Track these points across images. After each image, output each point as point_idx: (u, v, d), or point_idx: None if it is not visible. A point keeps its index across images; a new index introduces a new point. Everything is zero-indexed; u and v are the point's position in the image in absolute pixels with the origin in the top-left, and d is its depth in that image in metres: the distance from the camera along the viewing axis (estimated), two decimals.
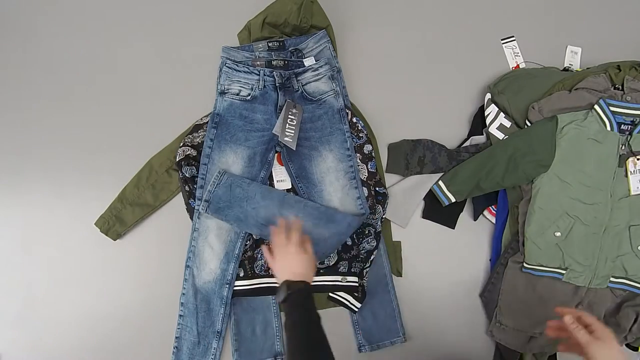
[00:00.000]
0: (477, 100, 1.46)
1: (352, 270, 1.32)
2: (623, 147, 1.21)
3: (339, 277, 1.31)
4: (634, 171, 1.21)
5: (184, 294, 1.32)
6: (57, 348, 1.35)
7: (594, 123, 1.22)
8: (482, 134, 1.39)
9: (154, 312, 1.36)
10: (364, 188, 1.35)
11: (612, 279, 1.25)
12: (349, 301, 1.32)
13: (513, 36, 1.50)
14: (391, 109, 1.45)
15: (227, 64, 1.34)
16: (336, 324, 1.37)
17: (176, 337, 1.31)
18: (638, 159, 1.19)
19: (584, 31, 1.51)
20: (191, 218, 1.36)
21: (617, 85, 1.26)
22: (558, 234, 1.24)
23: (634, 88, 1.24)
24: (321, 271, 1.33)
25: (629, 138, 1.21)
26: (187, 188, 1.35)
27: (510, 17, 1.52)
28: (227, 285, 1.32)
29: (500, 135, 1.32)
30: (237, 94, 1.35)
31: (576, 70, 1.40)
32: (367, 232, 1.35)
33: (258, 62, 1.34)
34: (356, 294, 1.32)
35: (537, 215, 1.24)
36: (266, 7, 1.37)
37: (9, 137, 1.42)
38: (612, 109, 1.22)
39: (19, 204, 1.40)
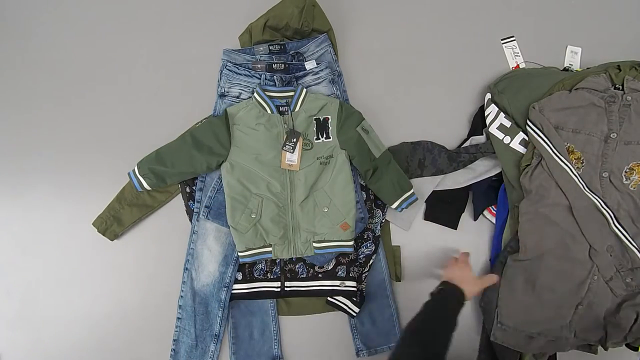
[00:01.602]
0: (477, 100, 1.46)
1: (351, 274, 1.32)
2: (286, 126, 1.29)
3: (337, 282, 1.31)
4: (286, 147, 1.28)
5: (182, 296, 1.33)
6: (55, 348, 1.36)
7: (255, 109, 1.29)
8: (482, 134, 1.39)
9: (152, 314, 1.36)
10: (363, 192, 1.36)
11: (315, 244, 1.30)
12: (347, 306, 1.32)
13: (513, 36, 1.49)
14: (392, 110, 1.45)
15: (227, 67, 1.34)
16: (334, 328, 1.37)
17: (174, 340, 1.32)
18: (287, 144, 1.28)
19: (584, 31, 1.50)
20: (190, 220, 1.36)
21: (617, 85, 1.26)
22: (253, 215, 1.27)
23: (634, 88, 1.24)
24: (319, 275, 1.33)
25: (286, 117, 1.30)
26: (187, 190, 1.35)
27: (510, 17, 1.51)
28: (226, 289, 1.32)
29: (500, 136, 1.31)
30: (237, 97, 1.35)
31: (576, 70, 1.39)
32: (365, 236, 1.35)
33: (259, 65, 1.33)
34: (355, 299, 1.32)
35: (231, 203, 1.27)
36: (267, 10, 1.36)
37: (9, 138, 1.43)
38: (268, 94, 1.30)
39: (18, 205, 1.40)
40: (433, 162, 1.37)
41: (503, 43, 1.49)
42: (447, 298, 1.13)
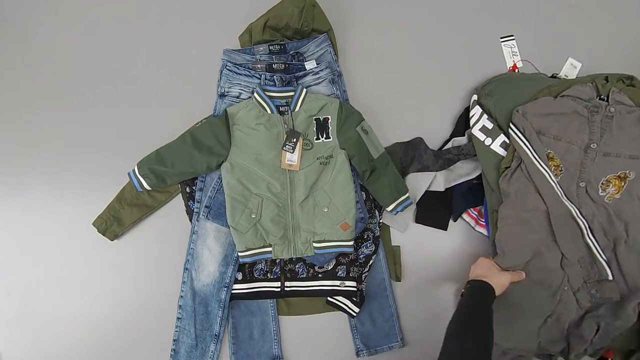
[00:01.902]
0: None
1: (351, 274, 1.32)
2: (286, 126, 1.30)
3: (337, 282, 1.31)
4: (286, 147, 1.29)
5: (182, 296, 1.33)
6: (55, 348, 1.36)
7: (255, 109, 1.30)
8: (464, 136, 1.39)
9: (152, 314, 1.36)
10: (363, 192, 1.36)
11: (315, 244, 1.30)
12: (347, 306, 1.32)
13: (512, 35, 1.49)
14: (391, 110, 1.45)
15: (227, 67, 1.34)
16: (334, 328, 1.37)
17: (174, 340, 1.32)
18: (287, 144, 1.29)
19: (584, 31, 1.50)
20: (190, 220, 1.36)
21: (602, 96, 1.24)
22: (253, 215, 1.27)
23: (619, 100, 1.22)
24: (319, 275, 1.33)
25: (286, 117, 1.30)
26: (187, 190, 1.35)
27: (511, 18, 1.51)
28: (226, 288, 1.32)
29: (482, 137, 1.30)
30: (237, 97, 1.35)
31: (564, 78, 1.38)
32: (365, 236, 1.35)
33: (259, 65, 1.33)
34: (355, 299, 1.32)
35: (231, 203, 1.28)
36: (267, 10, 1.36)
37: (9, 138, 1.43)
38: (268, 94, 1.31)
39: (18, 205, 1.40)
40: (419, 159, 1.36)
41: (502, 41, 1.49)
42: (478, 293, 1.16)
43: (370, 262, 1.34)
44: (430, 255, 1.40)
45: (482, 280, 1.17)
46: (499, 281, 1.18)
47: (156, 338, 1.35)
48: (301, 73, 1.34)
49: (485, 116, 1.30)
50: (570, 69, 1.46)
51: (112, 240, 1.36)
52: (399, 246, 1.40)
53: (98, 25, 1.48)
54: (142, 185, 1.29)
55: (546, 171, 1.21)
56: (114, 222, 1.35)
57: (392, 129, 1.43)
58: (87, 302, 1.37)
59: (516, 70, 1.47)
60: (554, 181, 1.21)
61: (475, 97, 1.36)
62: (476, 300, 1.15)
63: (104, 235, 1.35)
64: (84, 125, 1.43)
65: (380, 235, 1.37)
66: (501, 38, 1.49)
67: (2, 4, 1.49)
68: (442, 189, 1.36)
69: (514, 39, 1.49)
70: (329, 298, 1.34)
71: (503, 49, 1.49)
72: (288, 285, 1.33)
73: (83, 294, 1.37)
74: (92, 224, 1.35)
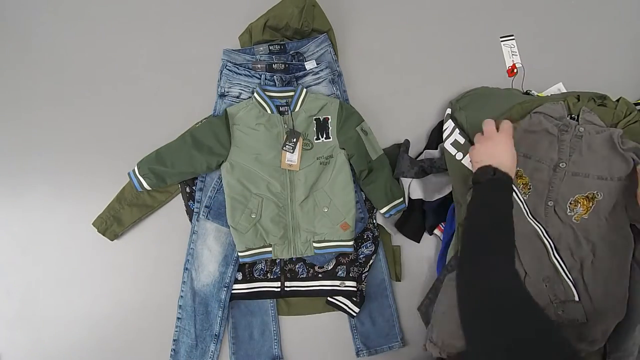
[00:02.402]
0: None
1: (351, 274, 1.32)
2: (286, 126, 1.31)
3: (337, 282, 1.31)
4: (286, 147, 1.30)
5: (182, 296, 1.33)
6: (55, 348, 1.36)
7: (255, 109, 1.31)
8: (437, 149, 1.37)
9: (152, 314, 1.36)
10: (363, 192, 1.36)
11: (315, 244, 1.31)
12: (347, 306, 1.32)
13: (512, 35, 1.49)
14: (391, 110, 1.45)
15: (227, 67, 1.34)
16: (334, 328, 1.37)
17: (174, 340, 1.32)
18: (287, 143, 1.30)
19: (584, 31, 1.50)
20: (190, 220, 1.36)
21: (573, 115, 1.22)
22: (253, 215, 1.27)
23: (589, 120, 1.20)
24: (319, 275, 1.33)
25: (286, 117, 1.31)
26: (187, 190, 1.35)
27: (511, 18, 1.51)
28: (226, 288, 1.32)
29: (453, 151, 1.27)
30: (237, 97, 1.35)
31: (537, 95, 1.37)
32: (365, 236, 1.35)
33: (259, 65, 1.34)
34: (355, 299, 1.32)
35: (231, 203, 1.28)
36: (267, 10, 1.36)
37: (8, 138, 1.43)
38: (268, 94, 1.31)
39: (18, 205, 1.40)
40: (398, 163, 1.35)
41: (502, 41, 1.49)
42: (501, 195, 1.00)
43: (370, 262, 1.34)
44: (431, 255, 1.40)
45: (505, 173, 1.00)
46: (514, 165, 1.05)
47: (156, 338, 1.35)
48: (301, 73, 1.34)
49: (457, 130, 1.28)
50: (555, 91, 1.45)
51: (112, 240, 1.36)
52: (399, 246, 1.39)
53: (98, 25, 1.48)
54: (142, 185, 1.30)
55: (514, 189, 1.19)
56: (114, 222, 1.35)
57: (392, 129, 1.43)
58: (87, 302, 1.37)
59: (515, 70, 1.47)
60: (521, 200, 1.20)
61: (449, 110, 1.35)
62: (504, 203, 0.97)
63: (104, 235, 1.35)
64: (84, 125, 1.43)
65: (380, 235, 1.37)
66: (501, 38, 1.50)
67: (2, 4, 1.49)
68: (421, 197, 1.34)
69: (513, 39, 1.49)
70: (329, 298, 1.34)
71: (503, 48, 1.49)
72: (288, 285, 1.33)
73: (83, 294, 1.37)
74: (92, 224, 1.35)
